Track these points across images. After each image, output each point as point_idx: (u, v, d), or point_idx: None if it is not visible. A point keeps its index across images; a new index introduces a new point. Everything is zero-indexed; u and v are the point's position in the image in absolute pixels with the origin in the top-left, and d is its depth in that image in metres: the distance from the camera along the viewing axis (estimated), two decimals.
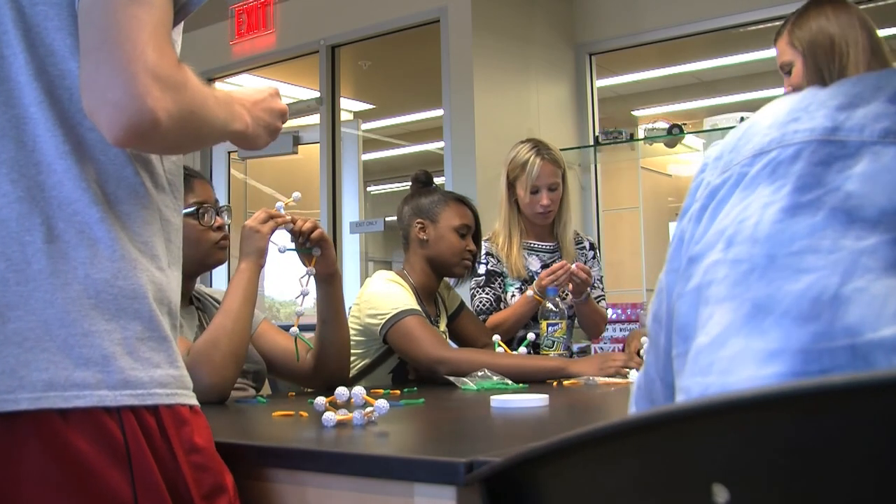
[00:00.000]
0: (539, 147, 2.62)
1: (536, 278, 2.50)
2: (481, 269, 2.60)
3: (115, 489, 0.86)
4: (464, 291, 2.59)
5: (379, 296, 2.16)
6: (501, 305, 2.58)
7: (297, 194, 1.83)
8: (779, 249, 0.57)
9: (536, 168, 2.56)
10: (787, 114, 0.64)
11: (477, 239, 2.37)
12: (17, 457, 0.84)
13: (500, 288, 2.60)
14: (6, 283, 0.88)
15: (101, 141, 0.93)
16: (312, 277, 1.80)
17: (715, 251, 0.62)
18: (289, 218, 1.77)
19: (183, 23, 1.01)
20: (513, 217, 2.64)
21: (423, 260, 2.30)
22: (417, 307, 2.13)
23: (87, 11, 0.87)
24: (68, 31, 0.92)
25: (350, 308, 2.18)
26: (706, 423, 0.45)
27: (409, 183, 2.44)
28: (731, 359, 0.56)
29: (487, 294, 2.57)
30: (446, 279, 2.44)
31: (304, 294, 1.81)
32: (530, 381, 1.96)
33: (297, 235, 1.78)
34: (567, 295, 2.52)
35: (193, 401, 0.98)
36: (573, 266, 2.43)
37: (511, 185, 2.63)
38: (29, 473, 0.84)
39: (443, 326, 2.34)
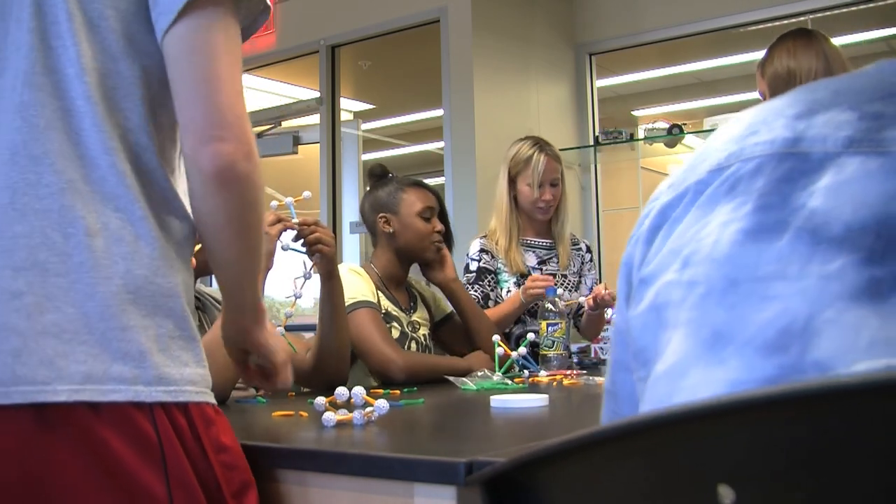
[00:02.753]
0: (541, 143, 2.70)
1: (530, 276, 2.55)
2: (473, 266, 2.65)
3: (150, 487, 0.86)
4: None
5: None
6: (489, 303, 2.60)
7: (307, 193, 1.83)
8: (741, 273, 0.54)
9: (541, 163, 2.63)
10: (746, 128, 0.61)
11: (444, 218, 2.36)
12: (51, 449, 0.84)
13: (490, 286, 2.64)
14: (46, 273, 0.88)
15: (140, 144, 0.95)
16: (308, 281, 1.81)
17: (669, 271, 0.58)
18: (297, 221, 1.77)
19: None
20: (511, 213, 2.68)
21: (392, 252, 2.30)
22: (373, 300, 2.12)
23: (182, 50, 0.92)
24: (122, 33, 0.94)
25: None
26: (713, 423, 0.45)
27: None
28: (692, 389, 0.53)
29: (476, 291, 2.61)
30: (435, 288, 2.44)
31: (297, 296, 1.81)
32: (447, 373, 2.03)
33: (303, 237, 1.78)
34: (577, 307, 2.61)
35: (215, 400, 0.98)
36: (603, 290, 2.51)
37: (512, 182, 2.69)
38: (61, 467, 0.84)
39: (416, 316, 2.33)
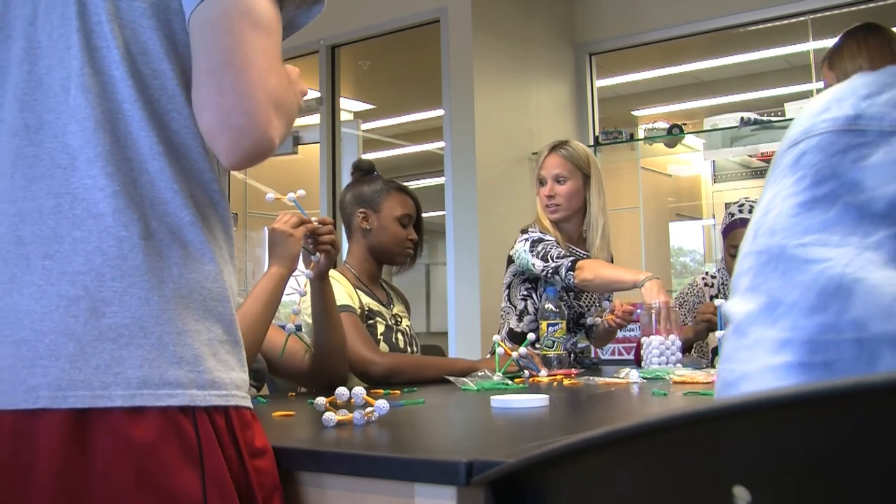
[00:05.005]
0: (556, 143, 2.70)
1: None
2: (536, 237, 2.57)
3: (186, 487, 0.85)
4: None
5: None
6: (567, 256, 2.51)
7: (301, 191, 1.83)
8: (790, 240, 0.58)
9: (543, 157, 2.66)
10: (824, 104, 0.65)
11: (419, 228, 2.38)
12: (92, 450, 0.84)
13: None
14: (102, 278, 0.87)
15: (186, 145, 0.94)
16: (309, 280, 1.81)
17: (747, 243, 0.64)
18: (315, 220, 1.77)
19: None
20: (545, 218, 2.66)
21: (366, 249, 2.32)
22: (350, 303, 2.13)
23: (207, 28, 0.88)
24: (164, 33, 0.93)
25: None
26: (728, 424, 0.45)
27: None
28: (750, 347, 0.58)
29: (548, 244, 2.52)
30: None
31: (301, 294, 1.81)
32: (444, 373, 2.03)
33: (311, 236, 1.79)
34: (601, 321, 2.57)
35: (251, 405, 0.98)
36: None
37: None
38: (102, 468, 0.83)
39: (396, 310, 2.34)
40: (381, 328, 2.20)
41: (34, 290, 0.87)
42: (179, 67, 0.93)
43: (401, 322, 2.31)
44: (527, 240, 2.57)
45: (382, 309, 2.27)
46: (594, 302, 2.70)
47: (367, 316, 2.20)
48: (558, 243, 2.56)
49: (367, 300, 2.23)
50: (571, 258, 2.46)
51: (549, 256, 2.48)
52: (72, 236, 0.88)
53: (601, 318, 2.61)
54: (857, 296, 0.53)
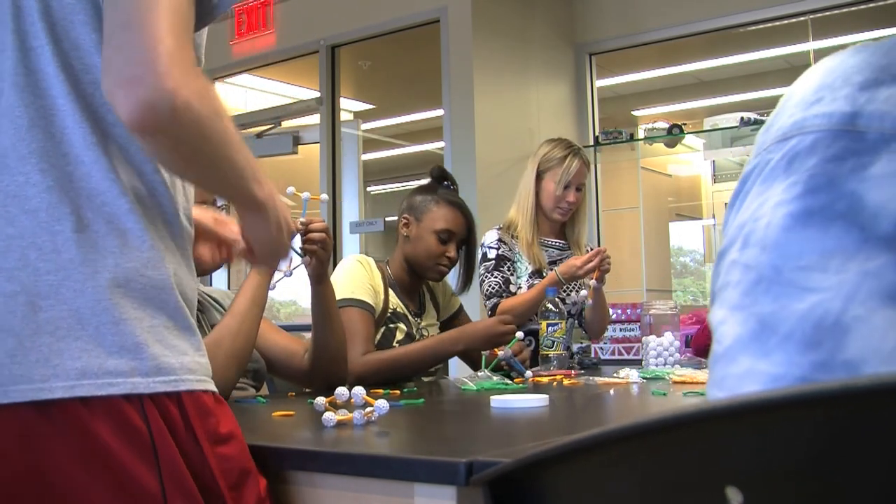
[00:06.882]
0: (576, 147, 2.78)
1: (569, 260, 2.59)
2: (491, 254, 2.66)
3: (143, 482, 0.86)
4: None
5: (337, 275, 2.15)
6: (511, 288, 2.63)
7: (324, 196, 1.84)
8: (785, 262, 0.53)
9: (574, 165, 2.69)
10: (815, 90, 0.57)
11: (470, 247, 2.33)
12: (49, 446, 0.84)
13: (510, 272, 2.66)
14: (37, 272, 0.88)
15: (124, 136, 0.94)
16: (294, 269, 1.77)
17: (734, 249, 0.58)
18: (302, 220, 1.76)
19: (206, 29, 1.01)
20: (534, 209, 2.72)
21: (403, 256, 2.29)
22: (368, 300, 2.09)
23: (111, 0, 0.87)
24: (93, 27, 0.93)
25: None
26: (723, 425, 0.45)
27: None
28: (740, 377, 0.53)
29: (496, 277, 2.63)
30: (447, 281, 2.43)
31: (286, 274, 1.75)
32: (441, 359, 2.03)
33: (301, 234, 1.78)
34: (587, 286, 2.62)
35: (215, 388, 0.98)
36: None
37: (538, 178, 2.72)
38: (59, 463, 0.84)
39: (425, 322, 2.32)
40: (399, 335, 2.18)
41: None
42: None
43: (426, 337, 2.27)
44: (490, 260, 2.67)
45: (409, 316, 2.25)
46: (573, 287, 2.73)
47: (389, 319, 2.18)
48: (507, 268, 2.66)
49: (394, 300, 2.20)
50: (496, 301, 2.60)
51: (486, 288, 2.64)
52: (5, 233, 0.89)
53: (584, 290, 2.65)
54: (852, 335, 0.48)
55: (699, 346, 2.76)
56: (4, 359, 0.86)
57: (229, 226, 1.38)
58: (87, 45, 0.93)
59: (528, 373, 2.09)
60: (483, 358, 2.06)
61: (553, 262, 2.71)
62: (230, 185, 0.97)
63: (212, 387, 0.97)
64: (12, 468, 0.84)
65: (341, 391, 1.31)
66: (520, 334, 2.13)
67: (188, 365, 0.93)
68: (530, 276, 2.66)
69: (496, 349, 2.08)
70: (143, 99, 0.81)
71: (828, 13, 3.98)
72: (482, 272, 2.63)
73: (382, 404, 1.22)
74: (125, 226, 0.92)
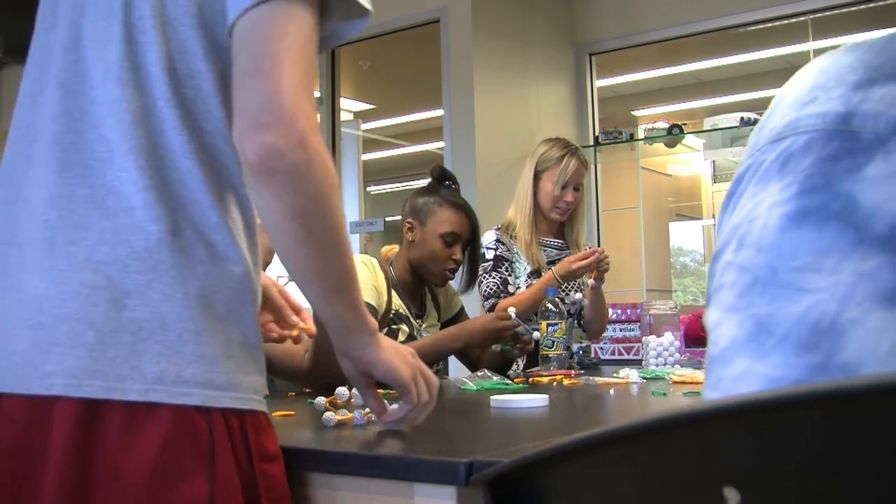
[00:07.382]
0: (574, 147, 2.78)
1: (567, 258, 2.59)
2: (489, 255, 2.65)
3: (194, 487, 0.85)
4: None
5: None
6: (509, 288, 2.63)
7: None
8: (781, 262, 0.52)
9: (572, 165, 2.69)
10: (808, 91, 0.57)
11: (474, 247, 2.32)
12: (103, 443, 0.83)
13: (507, 272, 2.66)
14: (126, 269, 0.87)
15: (218, 147, 0.93)
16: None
17: (728, 250, 0.57)
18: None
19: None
20: (532, 209, 2.73)
21: (406, 260, 2.28)
22: (370, 300, 2.09)
23: (244, 37, 0.88)
24: (204, 32, 0.92)
25: None
26: (722, 425, 0.45)
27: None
28: (736, 379, 0.53)
29: (494, 278, 2.63)
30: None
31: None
32: (441, 356, 2.04)
33: None
34: (586, 285, 2.65)
35: (267, 410, 0.98)
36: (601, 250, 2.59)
37: (536, 178, 2.73)
38: (111, 461, 0.83)
39: (426, 324, 2.31)
40: (402, 336, 2.18)
41: (55, 274, 0.87)
42: (217, 69, 0.93)
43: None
44: (489, 261, 2.67)
45: (411, 318, 2.24)
46: (572, 287, 2.74)
47: (392, 321, 2.17)
48: (506, 269, 2.66)
49: (396, 302, 2.20)
50: (493, 301, 2.60)
51: (484, 289, 2.63)
52: (101, 226, 0.88)
53: (581, 292, 2.69)
54: (849, 337, 0.48)
55: (690, 336, 2.78)
56: (82, 351, 0.85)
57: (292, 301, 1.35)
58: (194, 49, 0.92)
59: (536, 333, 2.13)
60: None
61: (552, 262, 2.71)
62: (324, 287, 0.99)
63: (265, 408, 0.97)
64: (62, 459, 0.83)
65: (341, 391, 1.31)
66: (512, 310, 2.18)
67: (254, 385, 0.93)
68: (529, 277, 2.65)
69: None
70: (274, 147, 0.83)
71: (828, 13, 3.98)
72: (480, 273, 2.64)
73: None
74: (213, 238, 0.91)
